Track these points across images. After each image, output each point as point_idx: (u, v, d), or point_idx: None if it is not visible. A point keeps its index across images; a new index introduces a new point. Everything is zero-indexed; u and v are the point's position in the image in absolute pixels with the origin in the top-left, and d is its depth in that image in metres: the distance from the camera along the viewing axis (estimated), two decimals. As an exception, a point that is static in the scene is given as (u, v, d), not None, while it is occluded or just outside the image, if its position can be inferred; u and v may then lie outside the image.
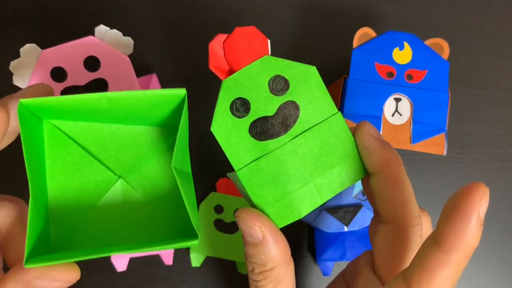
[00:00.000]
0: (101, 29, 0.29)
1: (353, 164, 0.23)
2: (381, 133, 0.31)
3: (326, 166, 0.22)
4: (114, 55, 0.29)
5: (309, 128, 0.22)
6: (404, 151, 0.40)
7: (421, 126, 0.31)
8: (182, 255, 0.37)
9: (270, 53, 0.23)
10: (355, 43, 0.33)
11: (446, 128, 0.31)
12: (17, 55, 0.28)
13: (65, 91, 0.29)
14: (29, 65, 0.28)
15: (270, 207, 0.22)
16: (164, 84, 0.38)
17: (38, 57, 0.28)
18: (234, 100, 0.22)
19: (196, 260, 0.36)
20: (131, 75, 0.29)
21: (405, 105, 0.32)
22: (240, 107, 0.22)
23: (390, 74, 0.32)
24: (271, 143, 0.22)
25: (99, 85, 0.29)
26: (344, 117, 0.31)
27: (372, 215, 0.38)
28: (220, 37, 0.22)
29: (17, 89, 0.29)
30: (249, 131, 0.22)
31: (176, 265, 0.36)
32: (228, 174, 0.24)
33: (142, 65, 0.38)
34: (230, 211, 0.36)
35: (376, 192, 0.22)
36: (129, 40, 0.29)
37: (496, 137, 0.41)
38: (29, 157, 0.20)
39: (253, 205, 0.22)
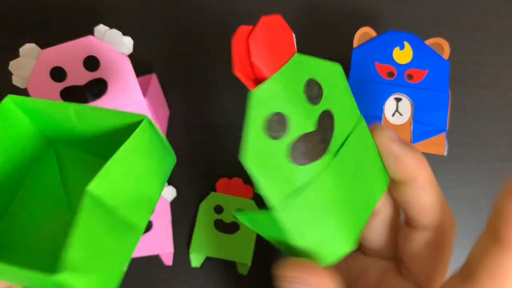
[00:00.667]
0: (101, 28, 0.29)
1: (380, 174, 0.20)
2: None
3: (362, 183, 0.19)
4: (114, 55, 0.29)
5: (345, 141, 0.19)
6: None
7: (421, 126, 0.31)
8: (182, 256, 0.37)
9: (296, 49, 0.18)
10: (355, 43, 0.33)
11: (446, 128, 0.31)
12: (16, 55, 0.28)
13: (64, 91, 0.29)
14: (29, 65, 0.28)
15: (319, 248, 0.18)
16: (164, 84, 0.37)
17: (37, 57, 0.28)
18: (269, 117, 0.16)
19: (196, 260, 0.36)
20: (130, 75, 0.29)
21: (406, 105, 0.32)
22: (277, 125, 0.16)
23: (391, 74, 0.32)
24: (314, 167, 0.17)
25: (99, 85, 0.29)
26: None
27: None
28: (244, 30, 0.16)
29: (17, 88, 0.29)
30: (289, 155, 0.17)
31: (176, 265, 0.36)
32: (237, 215, 0.19)
33: (142, 65, 0.38)
34: (230, 211, 0.36)
35: (413, 199, 0.20)
36: (129, 40, 0.29)
37: (497, 137, 0.41)
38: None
39: (293, 251, 0.18)
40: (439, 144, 0.31)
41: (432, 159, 0.40)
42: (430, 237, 0.21)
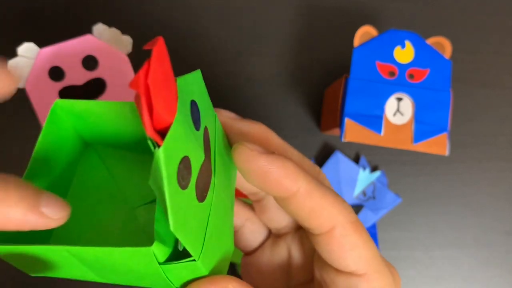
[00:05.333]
0: (100, 27, 0.29)
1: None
2: (382, 133, 0.31)
3: (228, 183, 0.18)
4: (113, 54, 0.28)
5: (214, 147, 0.17)
6: (405, 151, 0.40)
7: (423, 126, 0.31)
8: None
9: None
10: (356, 42, 0.32)
11: (448, 128, 0.31)
12: (14, 54, 0.28)
13: (63, 91, 0.28)
14: (27, 65, 0.28)
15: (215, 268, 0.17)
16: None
17: (36, 56, 0.28)
18: (178, 168, 0.14)
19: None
20: (129, 74, 0.29)
21: (407, 105, 0.31)
22: (185, 171, 0.14)
23: (392, 73, 0.32)
24: (209, 195, 0.16)
25: (98, 84, 0.29)
26: (345, 116, 0.31)
27: (374, 216, 0.38)
28: (142, 75, 0.12)
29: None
30: (197, 197, 0.15)
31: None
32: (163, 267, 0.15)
33: (141, 64, 0.38)
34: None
35: (299, 212, 0.17)
36: (127, 39, 0.29)
37: (499, 137, 0.41)
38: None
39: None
40: (441, 144, 0.31)
41: (434, 159, 0.40)
42: (321, 239, 0.18)
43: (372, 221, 0.38)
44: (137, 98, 0.12)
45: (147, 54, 0.15)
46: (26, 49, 0.28)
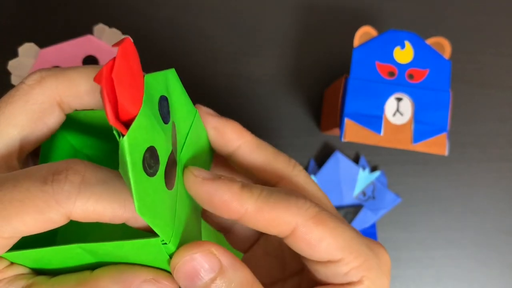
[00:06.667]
0: (100, 27, 0.29)
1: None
2: (382, 133, 0.31)
3: (204, 164, 0.20)
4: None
5: (184, 143, 0.19)
6: (405, 151, 0.40)
7: (422, 126, 0.31)
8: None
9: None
10: (356, 42, 0.32)
11: (448, 128, 0.31)
12: (15, 55, 0.28)
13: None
14: (27, 65, 0.28)
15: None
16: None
17: (36, 56, 0.28)
18: (144, 156, 0.15)
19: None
20: (130, 75, 0.29)
21: (406, 105, 0.31)
22: (151, 160, 0.15)
23: (391, 74, 0.32)
24: (176, 184, 0.17)
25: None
26: (345, 116, 0.31)
27: (373, 215, 0.38)
28: (107, 68, 0.14)
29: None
30: (166, 185, 0.16)
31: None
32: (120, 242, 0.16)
33: (141, 64, 0.38)
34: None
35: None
36: (128, 39, 0.29)
37: (498, 137, 0.41)
38: None
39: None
40: (440, 144, 0.31)
41: (434, 159, 0.41)
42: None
43: (372, 221, 0.38)
44: (101, 91, 0.13)
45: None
46: (27, 49, 0.28)
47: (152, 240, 0.15)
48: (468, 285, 0.39)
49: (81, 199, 0.15)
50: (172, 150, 0.17)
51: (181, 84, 0.19)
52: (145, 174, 0.15)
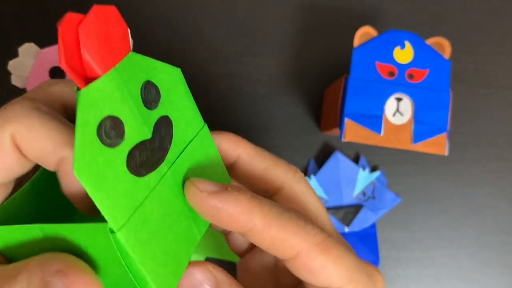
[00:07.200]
0: (100, 28, 0.29)
1: (224, 181, 0.20)
2: (382, 133, 0.31)
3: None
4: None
5: (184, 149, 0.18)
6: (405, 151, 0.40)
7: (422, 126, 0.31)
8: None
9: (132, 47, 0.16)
10: (356, 42, 0.32)
11: (448, 128, 0.31)
12: (15, 55, 0.28)
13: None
14: (28, 65, 0.28)
15: (161, 269, 0.16)
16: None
17: (36, 56, 0.28)
18: (102, 121, 0.14)
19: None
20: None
21: (406, 105, 0.31)
22: (112, 130, 0.14)
23: (391, 74, 0.32)
24: (152, 177, 0.16)
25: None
26: (345, 116, 0.31)
27: (373, 215, 0.38)
28: (73, 18, 0.14)
29: (15, 88, 0.29)
30: (128, 165, 0.15)
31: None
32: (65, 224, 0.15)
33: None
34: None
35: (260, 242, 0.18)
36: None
37: (498, 137, 0.41)
38: None
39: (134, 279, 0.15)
40: (440, 144, 0.31)
41: (434, 159, 0.41)
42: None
43: (372, 221, 0.38)
44: (58, 35, 0.13)
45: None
46: (27, 49, 0.28)
47: (100, 225, 0.14)
48: (468, 285, 0.39)
49: (17, 123, 0.15)
50: (152, 140, 0.16)
51: (187, 87, 0.18)
52: (98, 139, 0.14)
